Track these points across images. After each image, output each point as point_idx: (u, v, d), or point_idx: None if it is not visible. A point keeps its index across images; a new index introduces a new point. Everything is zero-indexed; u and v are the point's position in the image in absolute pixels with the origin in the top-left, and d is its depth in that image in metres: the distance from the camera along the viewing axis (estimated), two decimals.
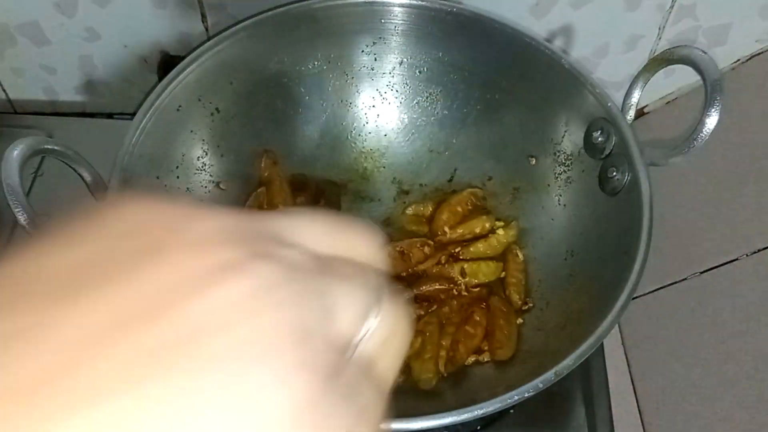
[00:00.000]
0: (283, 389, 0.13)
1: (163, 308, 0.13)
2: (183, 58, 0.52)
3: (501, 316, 0.53)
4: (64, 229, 0.15)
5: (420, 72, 0.61)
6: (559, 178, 0.56)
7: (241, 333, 0.13)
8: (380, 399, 0.17)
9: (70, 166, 0.43)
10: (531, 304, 0.55)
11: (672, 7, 0.61)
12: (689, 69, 0.44)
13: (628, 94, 0.49)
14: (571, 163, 0.55)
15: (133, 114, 0.49)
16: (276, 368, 0.13)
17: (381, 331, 0.17)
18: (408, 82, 0.62)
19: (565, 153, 0.56)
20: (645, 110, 0.71)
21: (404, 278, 0.56)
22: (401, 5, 0.56)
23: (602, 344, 0.54)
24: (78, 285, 0.14)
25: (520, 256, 0.57)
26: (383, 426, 0.16)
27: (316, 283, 0.15)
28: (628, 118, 0.49)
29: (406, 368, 0.52)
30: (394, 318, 0.17)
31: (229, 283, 0.14)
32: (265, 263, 0.14)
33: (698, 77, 0.43)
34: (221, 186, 0.57)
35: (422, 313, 0.54)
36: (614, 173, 0.49)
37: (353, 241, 0.18)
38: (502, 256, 0.57)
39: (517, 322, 0.54)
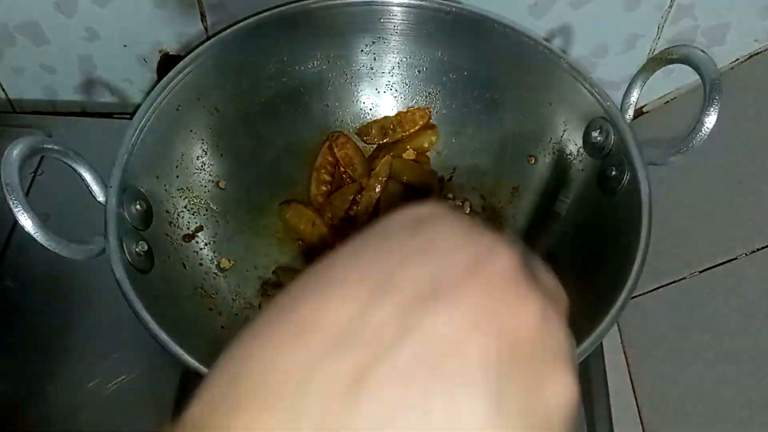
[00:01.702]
0: (567, 390, 0.19)
1: (492, 325, 0.18)
2: (182, 57, 0.52)
3: None
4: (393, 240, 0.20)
5: (419, 71, 0.61)
6: (558, 178, 0.56)
7: (542, 346, 0.19)
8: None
9: (69, 166, 0.43)
10: None
11: (671, 6, 0.61)
12: (688, 68, 0.44)
13: (627, 94, 0.49)
14: (571, 162, 0.55)
15: (133, 114, 0.49)
16: (563, 376, 0.19)
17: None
18: (407, 81, 0.62)
19: (564, 152, 0.56)
20: (644, 110, 0.71)
21: None
22: (400, 5, 0.56)
23: (601, 343, 0.55)
24: (427, 297, 0.18)
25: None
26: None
27: (564, 320, 0.20)
28: (627, 117, 0.49)
29: None
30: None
31: (528, 315, 0.19)
32: (542, 300, 0.19)
33: (697, 77, 0.43)
34: (220, 185, 0.57)
35: None
36: (613, 172, 0.49)
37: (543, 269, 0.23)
38: None
39: None
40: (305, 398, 0.16)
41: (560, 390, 0.18)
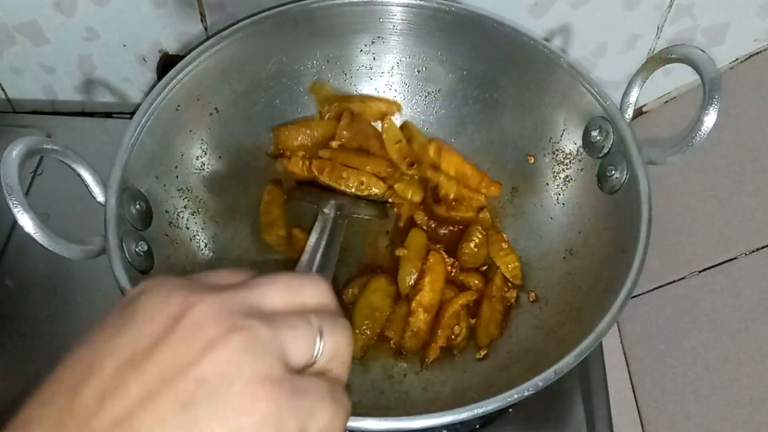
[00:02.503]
0: (262, 399, 0.23)
1: (178, 374, 0.22)
2: (182, 57, 0.52)
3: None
4: (108, 320, 0.25)
5: (419, 71, 0.61)
6: (557, 177, 0.57)
7: (230, 377, 0.23)
8: (333, 388, 0.25)
9: (69, 166, 0.43)
10: (534, 296, 0.55)
11: (670, 6, 0.61)
12: (688, 68, 0.44)
13: (626, 93, 0.49)
14: (570, 161, 0.55)
15: (132, 113, 0.49)
16: (254, 391, 0.23)
17: (326, 352, 0.26)
18: (407, 81, 0.62)
19: (563, 152, 0.56)
20: (644, 109, 0.71)
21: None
22: (400, 4, 0.56)
23: (601, 343, 0.55)
24: (136, 360, 0.23)
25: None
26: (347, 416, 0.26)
27: (270, 341, 0.24)
28: (627, 116, 0.49)
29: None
30: (334, 342, 0.26)
31: (216, 352, 0.23)
32: (235, 335, 0.23)
33: (697, 76, 0.43)
34: (220, 185, 0.57)
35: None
36: (613, 172, 0.49)
37: (303, 291, 0.26)
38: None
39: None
40: None
41: (249, 403, 0.23)
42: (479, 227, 0.58)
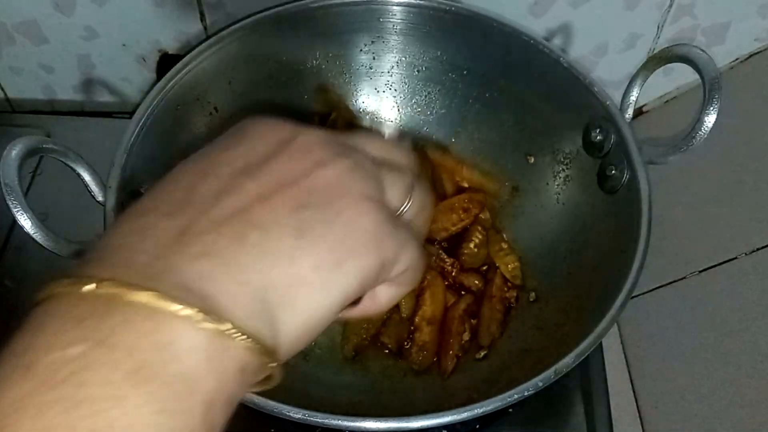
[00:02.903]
0: (366, 215, 0.25)
1: (290, 182, 0.24)
2: (181, 57, 0.52)
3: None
4: (217, 142, 0.27)
5: (418, 71, 0.61)
6: (557, 177, 0.56)
7: (338, 190, 0.24)
8: (418, 239, 0.28)
9: (68, 166, 0.43)
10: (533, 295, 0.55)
11: (671, 6, 0.61)
12: (688, 68, 0.44)
13: (626, 93, 0.49)
14: (570, 161, 0.55)
15: (132, 113, 0.49)
16: (359, 206, 0.25)
17: (415, 205, 0.28)
18: (406, 81, 0.62)
19: (563, 152, 0.56)
20: (644, 109, 0.71)
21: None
22: (399, 4, 0.56)
23: (601, 343, 0.54)
24: (250, 169, 0.25)
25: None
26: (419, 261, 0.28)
27: (374, 172, 0.26)
28: (627, 116, 0.49)
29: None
30: (421, 198, 0.29)
31: (326, 169, 0.25)
32: (343, 159, 0.25)
33: (697, 76, 0.43)
34: None
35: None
36: (613, 172, 0.49)
37: (395, 152, 0.29)
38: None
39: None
40: (143, 244, 0.22)
41: (354, 214, 0.24)
42: (479, 227, 0.58)
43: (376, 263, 0.25)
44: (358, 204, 0.25)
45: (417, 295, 0.55)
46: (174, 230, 0.23)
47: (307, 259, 0.23)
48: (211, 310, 0.21)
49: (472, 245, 0.57)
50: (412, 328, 0.54)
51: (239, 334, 0.21)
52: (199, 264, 0.22)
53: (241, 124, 0.27)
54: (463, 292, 0.56)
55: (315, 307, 0.23)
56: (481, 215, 0.59)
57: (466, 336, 0.53)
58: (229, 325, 0.21)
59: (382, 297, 0.30)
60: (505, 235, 0.58)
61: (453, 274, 0.57)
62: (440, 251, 0.57)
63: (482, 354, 0.52)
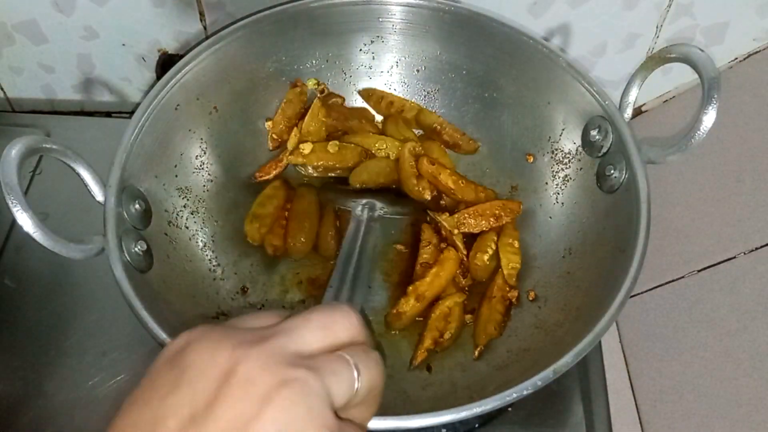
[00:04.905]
0: None
1: (240, 430, 0.23)
2: (181, 56, 0.52)
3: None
4: (157, 377, 0.25)
5: (418, 71, 0.61)
6: (557, 177, 0.57)
7: (289, 430, 0.24)
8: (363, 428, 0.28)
9: (68, 165, 0.43)
10: (534, 296, 0.55)
11: (669, 5, 0.61)
12: (687, 67, 0.44)
13: (625, 93, 0.49)
14: (569, 161, 0.55)
15: (132, 113, 0.49)
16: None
17: (364, 384, 0.27)
18: (406, 80, 0.62)
19: (562, 151, 0.56)
20: (643, 108, 0.71)
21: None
22: (399, 4, 0.56)
23: (600, 342, 0.55)
24: (186, 420, 0.24)
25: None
26: None
27: (320, 389, 0.25)
28: (626, 116, 0.49)
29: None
30: (369, 374, 0.27)
31: (273, 407, 0.24)
32: (288, 389, 0.24)
33: (696, 75, 0.43)
34: (219, 185, 0.57)
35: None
36: (612, 171, 0.50)
37: (334, 327, 0.27)
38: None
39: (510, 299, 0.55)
40: None
41: None
42: (494, 237, 0.57)
43: None
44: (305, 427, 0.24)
45: (429, 265, 0.55)
46: None
47: None
48: None
49: (486, 258, 0.56)
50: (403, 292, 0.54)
51: None
52: None
53: (176, 349, 0.26)
54: (466, 289, 0.56)
55: None
56: (510, 222, 0.58)
57: (447, 335, 0.53)
58: None
59: None
60: (519, 235, 0.58)
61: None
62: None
63: (477, 353, 0.52)
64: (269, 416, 0.23)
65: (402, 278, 0.57)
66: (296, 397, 0.24)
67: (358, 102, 0.63)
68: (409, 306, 0.54)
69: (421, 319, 0.54)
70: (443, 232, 0.57)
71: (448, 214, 0.57)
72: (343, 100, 0.62)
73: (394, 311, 0.54)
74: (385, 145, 0.61)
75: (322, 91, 0.61)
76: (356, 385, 0.27)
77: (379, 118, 0.63)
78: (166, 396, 0.24)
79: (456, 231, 0.56)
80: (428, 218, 0.58)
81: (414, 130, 0.62)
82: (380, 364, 0.28)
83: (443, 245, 0.57)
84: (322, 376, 0.25)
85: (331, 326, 0.28)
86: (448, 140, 0.61)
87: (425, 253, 0.56)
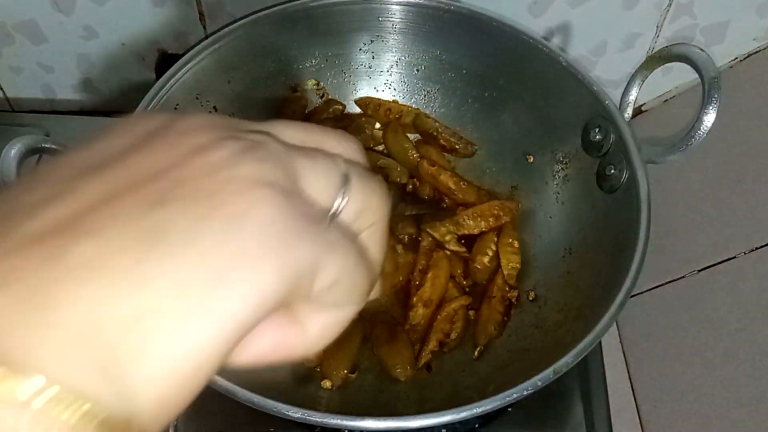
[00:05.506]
0: (262, 206, 0.18)
1: (149, 176, 0.18)
2: (181, 56, 0.52)
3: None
4: (89, 139, 0.20)
5: (418, 70, 0.61)
6: (557, 176, 0.56)
7: (220, 177, 0.18)
8: (357, 248, 0.20)
9: None
10: (533, 295, 0.55)
11: (670, 5, 0.61)
12: (687, 67, 0.44)
13: (625, 92, 0.49)
14: (569, 161, 0.55)
15: (131, 113, 0.49)
16: (251, 194, 0.18)
17: (357, 198, 0.20)
18: (406, 80, 0.62)
19: (563, 151, 0.56)
20: (643, 108, 0.71)
21: None
22: (399, 3, 0.56)
23: (600, 342, 0.55)
24: (99, 166, 0.18)
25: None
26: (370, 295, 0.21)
27: (280, 154, 0.19)
28: (626, 115, 0.49)
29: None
30: (365, 187, 0.21)
31: (206, 154, 0.18)
32: (232, 141, 0.19)
33: (696, 75, 0.43)
34: None
35: None
36: (612, 171, 0.49)
37: (323, 138, 0.21)
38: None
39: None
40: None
41: (243, 207, 0.18)
42: (494, 238, 0.57)
43: (283, 274, 0.17)
44: (250, 191, 0.18)
45: (422, 270, 0.55)
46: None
47: (165, 276, 0.16)
48: (6, 373, 0.14)
49: (486, 260, 0.56)
50: (410, 303, 0.54)
51: (58, 403, 0.14)
52: None
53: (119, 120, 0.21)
54: (467, 289, 0.56)
55: (185, 348, 0.16)
56: (509, 222, 0.58)
57: (453, 335, 0.53)
58: (34, 391, 0.14)
59: (312, 326, 0.21)
60: (517, 235, 0.58)
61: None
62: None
63: (477, 353, 0.52)
64: (196, 161, 0.18)
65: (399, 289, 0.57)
66: (241, 148, 0.19)
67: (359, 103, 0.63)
68: (419, 315, 0.53)
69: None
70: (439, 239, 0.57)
71: (439, 223, 0.57)
72: (344, 107, 0.62)
73: (407, 326, 0.53)
74: (387, 164, 0.61)
75: (322, 96, 0.61)
76: (341, 190, 0.20)
77: (377, 125, 0.63)
78: (70, 154, 0.19)
79: (449, 237, 0.56)
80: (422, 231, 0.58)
81: (411, 135, 0.63)
82: (383, 185, 0.21)
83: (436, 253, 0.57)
84: (290, 150, 0.19)
85: (320, 133, 0.22)
86: (445, 145, 0.61)
87: (422, 260, 0.56)
